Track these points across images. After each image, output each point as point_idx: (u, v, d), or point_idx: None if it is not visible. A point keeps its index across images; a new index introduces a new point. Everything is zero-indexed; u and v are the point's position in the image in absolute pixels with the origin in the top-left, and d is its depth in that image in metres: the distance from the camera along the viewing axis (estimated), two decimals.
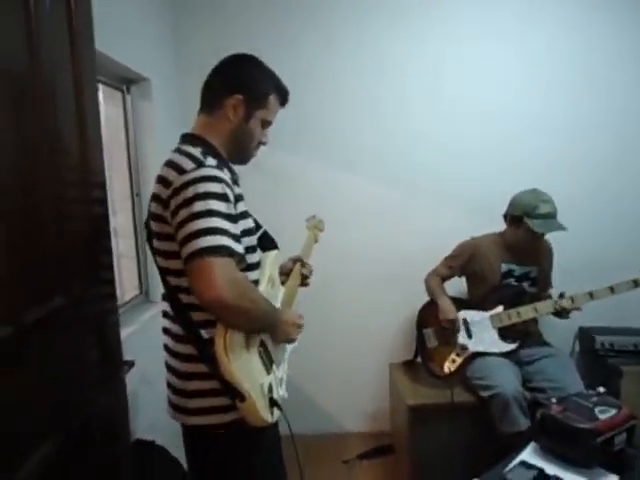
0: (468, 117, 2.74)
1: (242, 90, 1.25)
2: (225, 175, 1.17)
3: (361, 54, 2.70)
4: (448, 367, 2.32)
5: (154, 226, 1.21)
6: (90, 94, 1.21)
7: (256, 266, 1.28)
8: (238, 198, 1.21)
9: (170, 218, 1.13)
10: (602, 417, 1.37)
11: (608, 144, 2.75)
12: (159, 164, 1.23)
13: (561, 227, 2.20)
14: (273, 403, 1.21)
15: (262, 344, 1.23)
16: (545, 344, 2.39)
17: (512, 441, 1.97)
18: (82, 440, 1.11)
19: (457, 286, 2.55)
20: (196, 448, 1.28)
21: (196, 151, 1.18)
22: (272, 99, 1.30)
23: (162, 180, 1.16)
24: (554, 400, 1.47)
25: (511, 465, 1.36)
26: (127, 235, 2.24)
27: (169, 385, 1.26)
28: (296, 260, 1.53)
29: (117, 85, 2.14)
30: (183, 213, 1.09)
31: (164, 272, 1.22)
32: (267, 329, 1.23)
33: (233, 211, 1.15)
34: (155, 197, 1.19)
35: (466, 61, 2.72)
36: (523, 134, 2.74)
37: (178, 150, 1.20)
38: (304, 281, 1.53)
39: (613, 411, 1.39)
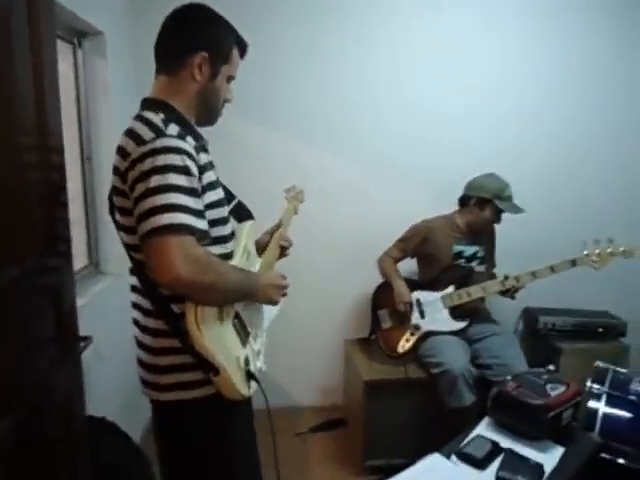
0: (433, 105, 2.78)
1: (206, 46, 1.17)
2: (188, 145, 1.09)
3: (328, 29, 2.65)
4: (402, 346, 2.38)
5: (116, 200, 1.13)
6: (47, 45, 1.10)
7: (229, 238, 1.23)
8: (205, 168, 1.13)
9: (129, 192, 1.06)
10: (553, 394, 1.45)
11: (558, 130, 2.86)
12: (113, 126, 1.15)
13: (523, 209, 2.31)
14: (250, 376, 1.19)
15: (237, 316, 1.19)
16: (492, 322, 2.49)
17: (458, 416, 2.07)
18: (38, 416, 1.05)
19: (408, 267, 2.59)
20: (168, 424, 1.23)
21: (157, 118, 1.09)
22: (234, 53, 1.23)
23: (121, 151, 1.09)
24: (509, 377, 1.54)
25: (468, 439, 1.42)
26: (75, 201, 2.10)
27: (139, 361, 1.20)
28: (274, 233, 1.49)
29: (67, 38, 1.96)
30: (140, 188, 1.02)
31: (128, 247, 1.15)
32: (245, 297, 1.19)
33: (196, 185, 1.08)
34: (114, 169, 1.11)
35: (434, 44, 2.73)
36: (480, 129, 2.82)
37: (138, 117, 1.12)
38: (283, 251, 1.50)
39: (562, 388, 1.47)
